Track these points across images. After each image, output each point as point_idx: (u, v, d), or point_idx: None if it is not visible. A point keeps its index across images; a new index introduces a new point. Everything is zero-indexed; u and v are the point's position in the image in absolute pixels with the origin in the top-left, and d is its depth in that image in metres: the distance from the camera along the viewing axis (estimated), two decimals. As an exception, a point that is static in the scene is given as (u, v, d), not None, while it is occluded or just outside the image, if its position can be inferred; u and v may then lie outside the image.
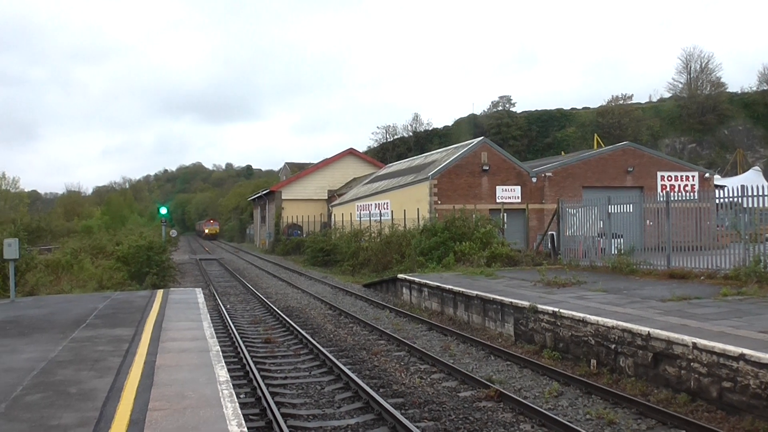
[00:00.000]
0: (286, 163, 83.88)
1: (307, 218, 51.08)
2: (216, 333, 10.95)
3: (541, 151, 77.01)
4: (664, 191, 28.61)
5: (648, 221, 19.34)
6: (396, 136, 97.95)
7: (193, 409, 5.74)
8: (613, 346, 9.85)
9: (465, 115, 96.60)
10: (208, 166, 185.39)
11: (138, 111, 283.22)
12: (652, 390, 8.82)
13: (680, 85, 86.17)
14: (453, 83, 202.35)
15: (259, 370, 10.64)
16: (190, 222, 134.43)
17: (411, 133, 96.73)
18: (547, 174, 32.57)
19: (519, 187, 32.37)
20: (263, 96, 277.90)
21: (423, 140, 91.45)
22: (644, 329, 9.21)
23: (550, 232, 23.19)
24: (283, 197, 53.78)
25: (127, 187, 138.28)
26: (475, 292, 14.72)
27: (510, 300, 13.13)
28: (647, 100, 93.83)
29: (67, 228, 54.59)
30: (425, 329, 14.89)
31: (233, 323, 15.52)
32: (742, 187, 15.07)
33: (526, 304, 12.43)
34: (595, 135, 64.28)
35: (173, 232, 53.32)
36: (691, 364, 8.29)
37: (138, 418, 5.50)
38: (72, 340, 9.36)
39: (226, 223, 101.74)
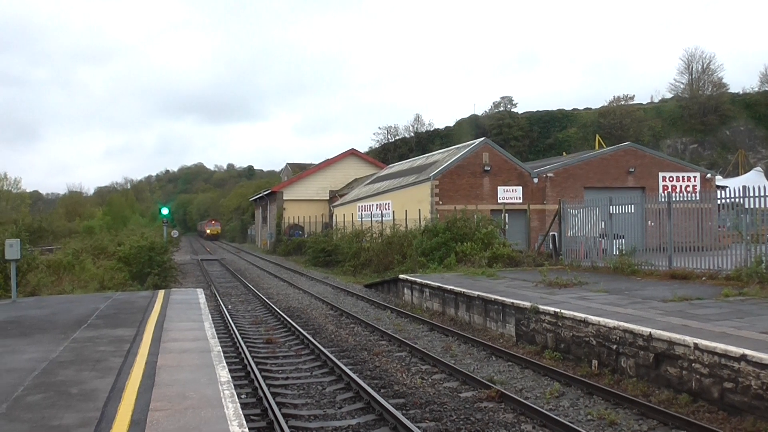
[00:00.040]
0: (288, 163, 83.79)
1: (309, 219, 51.10)
2: (217, 333, 10.96)
3: (542, 152, 77.00)
4: (665, 192, 28.56)
5: (649, 222, 19.31)
6: (397, 137, 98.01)
7: (195, 409, 5.75)
8: (614, 347, 9.84)
9: (466, 115, 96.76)
10: (210, 166, 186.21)
11: (139, 111, 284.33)
12: (653, 391, 8.81)
13: (682, 86, 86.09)
14: (454, 84, 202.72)
15: (260, 370, 10.65)
16: (191, 222, 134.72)
17: (412, 134, 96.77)
18: (548, 174, 32.54)
19: (520, 188, 32.35)
20: (264, 96, 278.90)
21: (424, 141, 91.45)
22: (646, 330, 9.21)
23: (551, 233, 23.17)
24: (284, 198, 53.79)
25: (129, 187, 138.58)
26: (477, 293, 14.71)
27: (511, 300, 13.12)
28: (649, 100, 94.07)
29: (69, 228, 54.60)
30: (426, 330, 14.89)
31: (234, 324, 15.52)
32: (744, 187, 15.07)
33: (527, 304, 12.42)
34: (597, 135, 64.19)
35: (175, 233, 53.44)
36: (693, 364, 8.28)
37: (139, 418, 5.50)
38: (73, 340, 9.36)
39: (228, 223, 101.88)
